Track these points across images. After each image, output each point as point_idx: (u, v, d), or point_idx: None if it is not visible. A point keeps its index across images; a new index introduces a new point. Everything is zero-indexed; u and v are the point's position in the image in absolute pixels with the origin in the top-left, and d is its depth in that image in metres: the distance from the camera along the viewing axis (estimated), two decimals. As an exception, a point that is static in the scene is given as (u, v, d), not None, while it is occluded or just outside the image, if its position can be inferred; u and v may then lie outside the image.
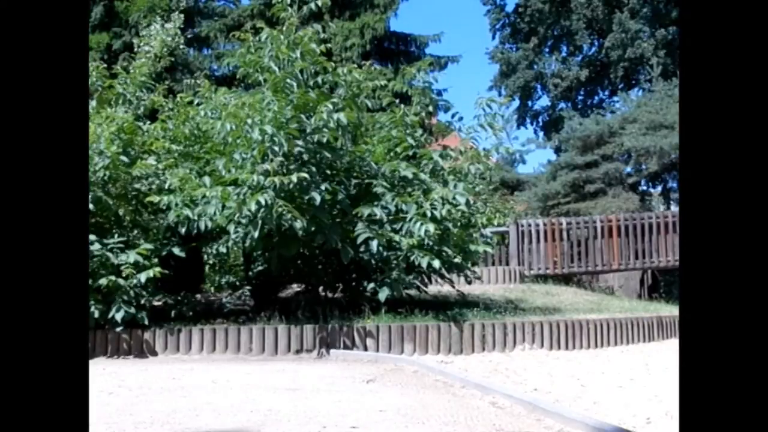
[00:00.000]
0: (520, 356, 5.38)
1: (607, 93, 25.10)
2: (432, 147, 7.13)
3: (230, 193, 5.62)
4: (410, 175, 6.04)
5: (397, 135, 6.51)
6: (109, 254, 5.65)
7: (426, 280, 6.51)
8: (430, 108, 6.97)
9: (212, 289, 8.35)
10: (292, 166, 5.57)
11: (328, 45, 6.59)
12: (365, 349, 5.42)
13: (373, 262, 5.88)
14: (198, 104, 6.82)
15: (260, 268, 6.88)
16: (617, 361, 5.23)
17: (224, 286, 8.19)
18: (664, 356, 5.25)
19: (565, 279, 11.31)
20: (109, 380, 4.11)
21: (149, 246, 5.75)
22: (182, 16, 9.11)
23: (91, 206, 5.73)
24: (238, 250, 7.07)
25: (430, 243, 5.68)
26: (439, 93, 16.06)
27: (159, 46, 8.13)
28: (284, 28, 6.19)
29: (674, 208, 16.35)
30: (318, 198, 5.47)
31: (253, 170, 5.50)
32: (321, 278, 6.66)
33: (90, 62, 7.39)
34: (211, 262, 8.08)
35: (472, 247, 6.14)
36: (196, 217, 5.78)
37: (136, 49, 8.42)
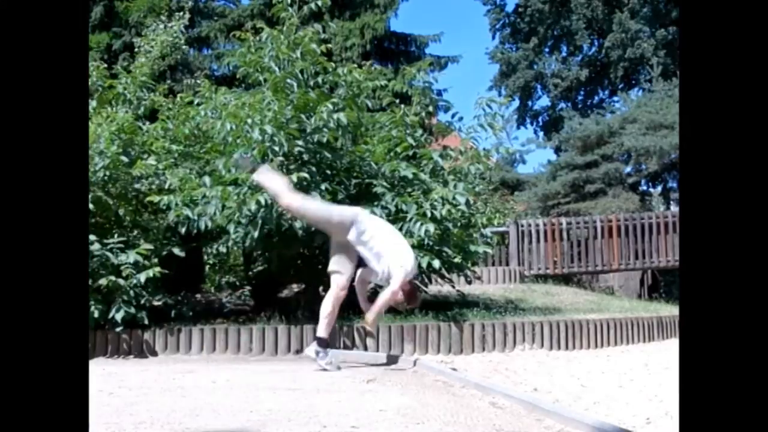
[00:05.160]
0: (520, 356, 5.37)
1: (607, 93, 25.13)
2: (432, 147, 7.13)
3: (230, 192, 5.62)
4: (410, 175, 6.03)
5: (397, 135, 6.51)
6: (109, 254, 5.65)
7: (426, 280, 6.51)
8: (430, 108, 6.96)
9: (212, 289, 8.35)
10: (292, 166, 5.58)
11: (329, 45, 6.59)
12: (365, 349, 5.41)
13: (373, 262, 5.87)
14: (198, 104, 6.82)
15: (260, 268, 6.87)
16: (617, 361, 5.23)
17: (224, 286, 8.19)
18: (664, 356, 5.25)
19: (565, 279, 11.32)
20: (109, 380, 4.11)
21: (149, 246, 5.75)
22: (187, 15, 9.11)
23: (91, 206, 5.72)
24: (238, 250, 7.07)
25: (430, 243, 5.67)
26: (439, 93, 16.08)
27: (160, 45, 8.13)
28: (284, 28, 6.19)
29: (674, 208, 16.35)
30: (318, 198, 5.46)
31: (254, 170, 5.50)
32: (321, 278, 6.65)
33: (90, 62, 7.40)
34: (211, 262, 8.08)
35: (472, 248, 6.14)
36: (196, 217, 5.78)
37: (136, 49, 8.42)
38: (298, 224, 5.41)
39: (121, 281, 5.48)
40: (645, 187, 18.50)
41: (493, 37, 25.90)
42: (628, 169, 17.28)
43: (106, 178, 6.05)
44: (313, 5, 6.44)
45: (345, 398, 3.48)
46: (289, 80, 5.95)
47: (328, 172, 6.07)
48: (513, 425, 2.90)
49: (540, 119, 26.24)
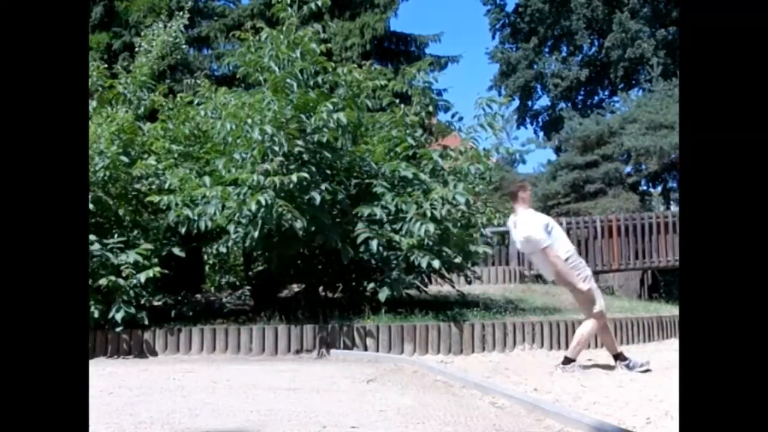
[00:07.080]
0: (520, 356, 5.37)
1: (607, 93, 25.13)
2: (432, 147, 7.12)
3: (230, 193, 5.62)
4: (410, 175, 6.03)
5: (397, 135, 6.51)
6: (109, 254, 5.65)
7: (426, 280, 6.50)
8: (430, 108, 6.96)
9: (212, 289, 8.35)
10: (292, 166, 5.57)
11: (328, 45, 6.58)
12: (365, 349, 5.41)
13: (373, 262, 5.87)
14: (198, 104, 6.82)
15: (260, 268, 6.87)
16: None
17: (224, 286, 8.18)
18: (664, 356, 5.25)
19: (566, 279, 11.27)
20: (109, 380, 4.12)
21: (149, 246, 5.75)
22: (187, 15, 9.11)
23: (91, 206, 5.73)
24: (238, 250, 7.06)
25: (430, 243, 5.67)
26: (439, 93, 16.04)
27: (160, 45, 8.13)
28: (284, 28, 6.19)
29: (674, 208, 16.34)
30: (318, 198, 5.46)
31: (253, 170, 5.50)
32: (321, 278, 6.65)
33: (90, 62, 7.40)
34: (211, 262, 8.08)
35: (472, 248, 6.14)
36: (196, 217, 5.78)
37: (136, 49, 8.41)
38: (298, 224, 5.41)
39: (121, 281, 5.47)
40: (645, 187, 18.50)
41: (493, 37, 25.92)
42: (628, 169, 17.28)
43: (106, 178, 6.05)
44: (313, 5, 6.44)
45: (345, 398, 3.48)
46: (289, 80, 5.95)
47: (328, 172, 6.07)
48: (513, 425, 2.90)
49: (540, 119, 26.23)
